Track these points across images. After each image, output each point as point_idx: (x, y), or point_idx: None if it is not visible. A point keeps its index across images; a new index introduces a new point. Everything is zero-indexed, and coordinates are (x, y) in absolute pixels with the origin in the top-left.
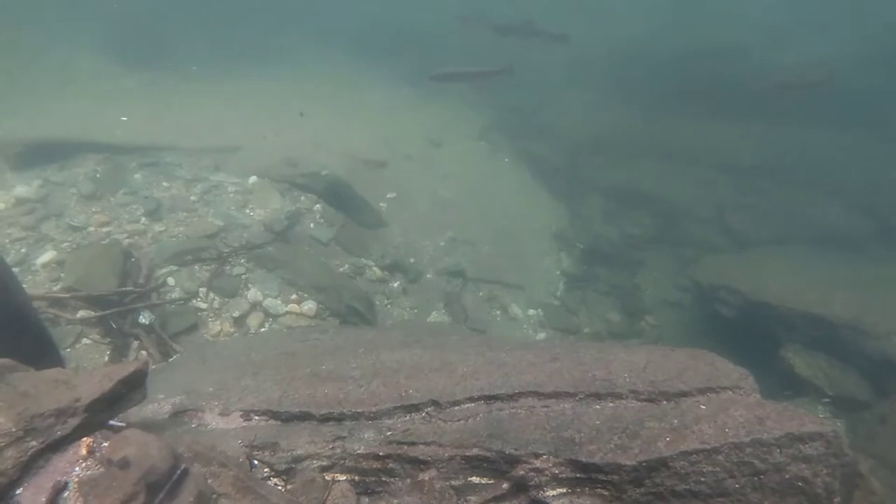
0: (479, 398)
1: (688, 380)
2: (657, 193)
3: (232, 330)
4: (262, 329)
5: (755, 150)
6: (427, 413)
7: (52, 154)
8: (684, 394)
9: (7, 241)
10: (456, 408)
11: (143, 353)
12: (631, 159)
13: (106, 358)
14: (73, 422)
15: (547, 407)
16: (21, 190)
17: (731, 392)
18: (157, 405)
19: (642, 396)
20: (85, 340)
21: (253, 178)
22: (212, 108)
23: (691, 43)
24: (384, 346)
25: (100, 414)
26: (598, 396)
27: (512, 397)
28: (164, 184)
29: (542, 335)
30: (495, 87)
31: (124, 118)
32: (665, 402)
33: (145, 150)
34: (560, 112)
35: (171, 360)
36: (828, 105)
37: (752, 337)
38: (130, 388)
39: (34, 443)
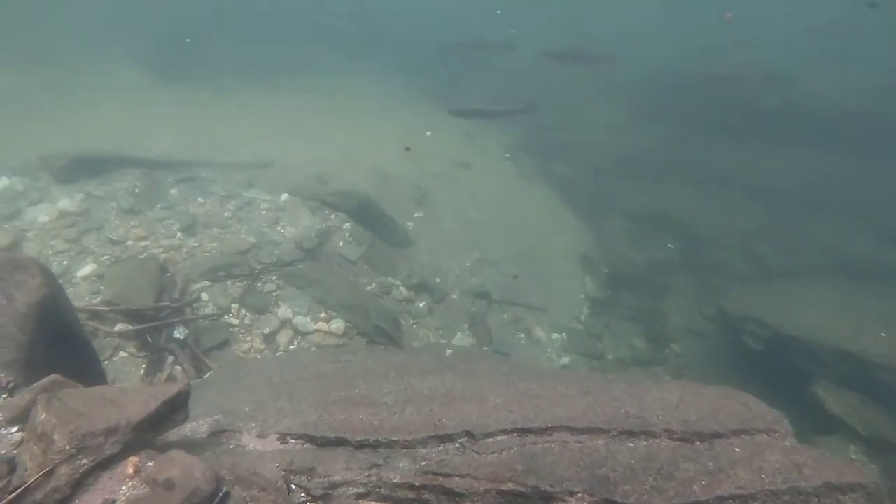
0: (513, 431)
1: (722, 420)
2: (683, 217)
3: (262, 347)
4: (292, 347)
5: (784, 176)
6: (461, 444)
7: (94, 168)
8: (718, 435)
9: (50, 252)
10: (489, 440)
11: (178, 368)
12: (657, 182)
13: (141, 371)
14: (122, 441)
15: (580, 442)
16: (65, 203)
17: (765, 435)
18: (195, 424)
19: (676, 436)
20: (122, 353)
21: (285, 196)
22: (243, 122)
23: (722, 67)
24: (415, 371)
25: (146, 434)
26: (631, 434)
27: (545, 431)
28: (200, 199)
29: (565, 360)
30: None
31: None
32: (699, 443)
33: (182, 166)
34: (587, 133)
35: (205, 376)
36: (859, 133)
37: (780, 371)
38: (174, 409)
39: (85, 461)
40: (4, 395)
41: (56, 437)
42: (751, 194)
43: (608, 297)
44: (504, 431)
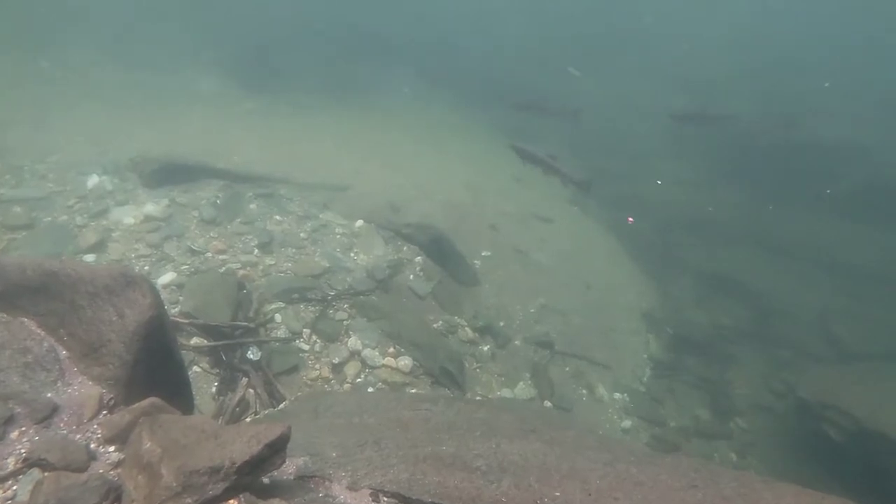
0: None
1: None
2: (753, 285)
3: (330, 376)
4: (359, 380)
5: (867, 253)
6: None
7: (179, 175)
8: None
9: (133, 255)
10: None
11: (251, 391)
12: (728, 244)
13: (213, 389)
14: (224, 483)
15: None
16: (150, 207)
17: None
18: None
19: None
20: (196, 368)
21: (360, 223)
22: (319, 140)
23: (805, 133)
24: (501, 432)
25: (246, 476)
26: None
27: None
28: (277, 217)
29: (627, 423)
30: (590, 151)
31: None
32: None
33: (261, 181)
34: (656, 185)
35: (281, 407)
36: None
37: (862, 468)
38: (273, 452)
39: (189, 500)
40: (104, 412)
41: (164, 471)
42: (826, 268)
43: (672, 360)
44: None
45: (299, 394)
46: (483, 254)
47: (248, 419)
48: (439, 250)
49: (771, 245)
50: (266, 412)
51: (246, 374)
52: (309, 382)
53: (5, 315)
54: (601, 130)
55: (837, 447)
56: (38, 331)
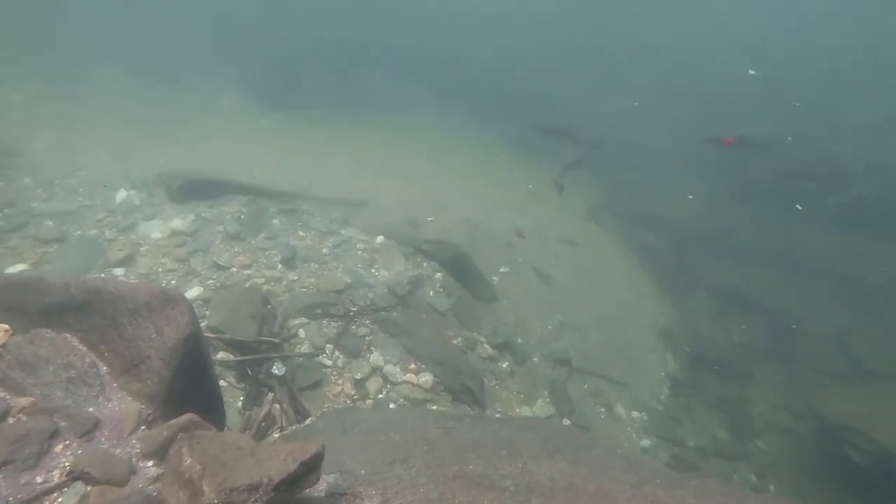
0: None
1: None
2: (770, 302)
3: (352, 392)
4: (380, 396)
5: (885, 271)
6: None
7: (205, 191)
8: None
9: (160, 270)
10: None
11: (277, 406)
12: (743, 261)
13: (239, 404)
14: (263, 500)
15: None
16: (177, 222)
17: None
18: None
19: None
20: (221, 383)
21: (380, 238)
22: (337, 155)
23: (822, 151)
24: (526, 452)
25: (282, 493)
26: None
27: None
28: (300, 233)
29: (646, 442)
30: (604, 165)
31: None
32: None
33: (284, 197)
34: (670, 200)
35: (308, 423)
36: None
37: (886, 492)
38: (309, 470)
39: None
40: (143, 427)
41: (205, 487)
42: (847, 287)
43: (690, 377)
44: None
45: (325, 409)
46: (501, 270)
47: (274, 434)
48: (458, 267)
49: (787, 262)
50: (293, 428)
51: (271, 388)
52: (332, 398)
53: (50, 331)
54: (621, 147)
55: (860, 471)
56: (81, 347)
